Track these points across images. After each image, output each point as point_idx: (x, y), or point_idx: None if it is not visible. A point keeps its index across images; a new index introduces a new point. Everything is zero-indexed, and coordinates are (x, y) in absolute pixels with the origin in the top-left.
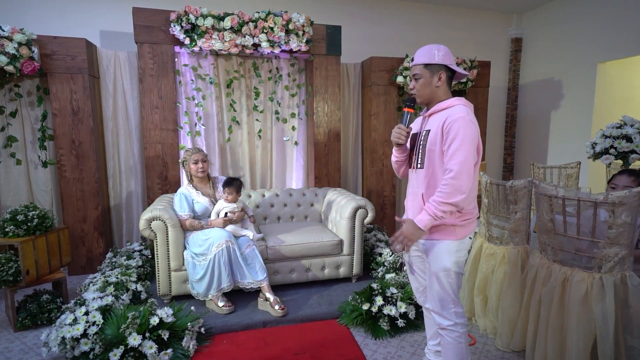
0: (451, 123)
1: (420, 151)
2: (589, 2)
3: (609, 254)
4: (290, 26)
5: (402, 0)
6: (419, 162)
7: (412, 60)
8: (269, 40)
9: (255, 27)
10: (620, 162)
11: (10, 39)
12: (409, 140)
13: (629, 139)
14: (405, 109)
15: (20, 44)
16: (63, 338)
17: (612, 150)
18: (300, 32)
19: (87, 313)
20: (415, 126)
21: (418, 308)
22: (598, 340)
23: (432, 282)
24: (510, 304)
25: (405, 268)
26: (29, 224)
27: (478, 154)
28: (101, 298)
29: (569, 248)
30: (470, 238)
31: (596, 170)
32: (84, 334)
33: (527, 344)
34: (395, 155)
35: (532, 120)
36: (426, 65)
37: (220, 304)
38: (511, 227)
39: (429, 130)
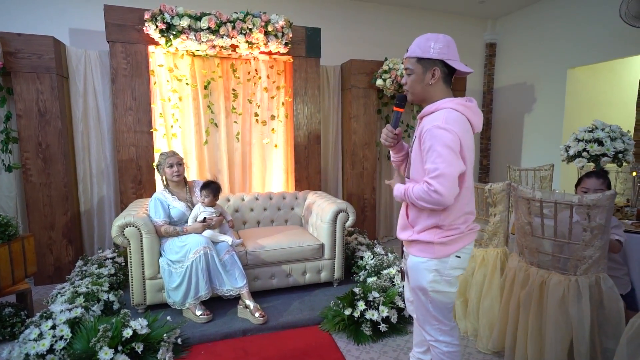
0: (428, 134)
1: (408, 160)
2: (560, 9)
3: (584, 256)
4: (269, 28)
5: (381, 4)
6: (407, 171)
7: (407, 51)
8: (247, 42)
9: (234, 28)
10: (592, 165)
11: None
12: (407, 147)
13: (600, 142)
14: (395, 108)
15: None
16: (27, 355)
17: (584, 154)
18: (280, 34)
19: (54, 327)
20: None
21: (400, 311)
22: (574, 341)
23: (413, 296)
24: (490, 306)
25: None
26: None
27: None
28: (70, 310)
29: (546, 250)
30: (457, 257)
31: (568, 172)
32: (51, 350)
33: (506, 345)
34: (392, 155)
35: (507, 123)
36: (419, 60)
37: (198, 312)
38: (490, 229)
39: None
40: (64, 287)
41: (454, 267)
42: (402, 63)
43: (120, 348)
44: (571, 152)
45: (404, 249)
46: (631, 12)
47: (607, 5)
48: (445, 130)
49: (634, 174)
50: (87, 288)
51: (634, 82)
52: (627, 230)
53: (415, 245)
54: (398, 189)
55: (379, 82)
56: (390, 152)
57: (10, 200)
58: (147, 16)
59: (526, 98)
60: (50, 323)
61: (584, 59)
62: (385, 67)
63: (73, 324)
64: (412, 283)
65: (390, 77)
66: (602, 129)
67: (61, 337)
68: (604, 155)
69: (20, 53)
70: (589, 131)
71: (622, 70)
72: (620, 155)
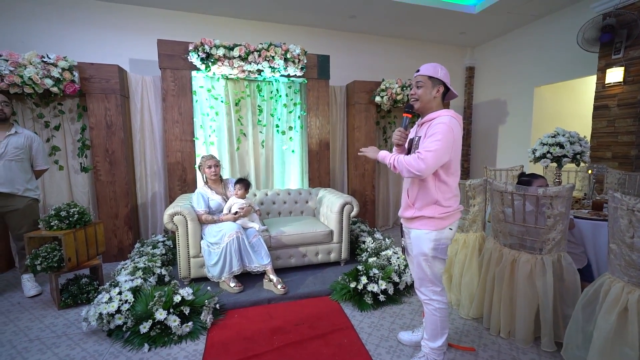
0: (434, 126)
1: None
2: (527, 38)
3: (548, 238)
4: (288, 55)
5: (379, 35)
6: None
7: (418, 71)
8: (270, 67)
9: (259, 55)
10: (554, 164)
11: (55, 65)
12: (406, 143)
13: (561, 146)
14: (405, 114)
15: (63, 69)
16: (100, 314)
17: (548, 155)
18: (297, 60)
19: (120, 293)
20: (412, 132)
21: (395, 285)
22: (540, 309)
23: (414, 263)
24: (470, 280)
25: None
26: (70, 219)
27: (455, 159)
28: (132, 280)
29: (516, 233)
30: (450, 229)
31: (535, 171)
32: (118, 310)
33: (484, 312)
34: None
35: (484, 132)
36: (430, 77)
37: (232, 284)
38: (470, 217)
39: (420, 137)
40: (126, 263)
41: (447, 237)
42: (396, 83)
43: (171, 310)
44: (537, 154)
45: (404, 227)
46: (586, 40)
47: (567, 34)
48: (451, 129)
49: (590, 172)
50: (145, 264)
51: (589, 98)
52: (583, 218)
53: (418, 220)
54: (385, 154)
55: (377, 99)
56: (395, 151)
57: (85, 195)
58: (191, 47)
59: (500, 112)
60: (117, 290)
61: (548, 78)
62: (382, 87)
63: (135, 291)
64: (415, 251)
65: (386, 95)
66: (563, 135)
67: (126, 301)
68: (564, 156)
69: (93, 78)
70: (552, 136)
71: (579, 88)
72: (578, 156)
